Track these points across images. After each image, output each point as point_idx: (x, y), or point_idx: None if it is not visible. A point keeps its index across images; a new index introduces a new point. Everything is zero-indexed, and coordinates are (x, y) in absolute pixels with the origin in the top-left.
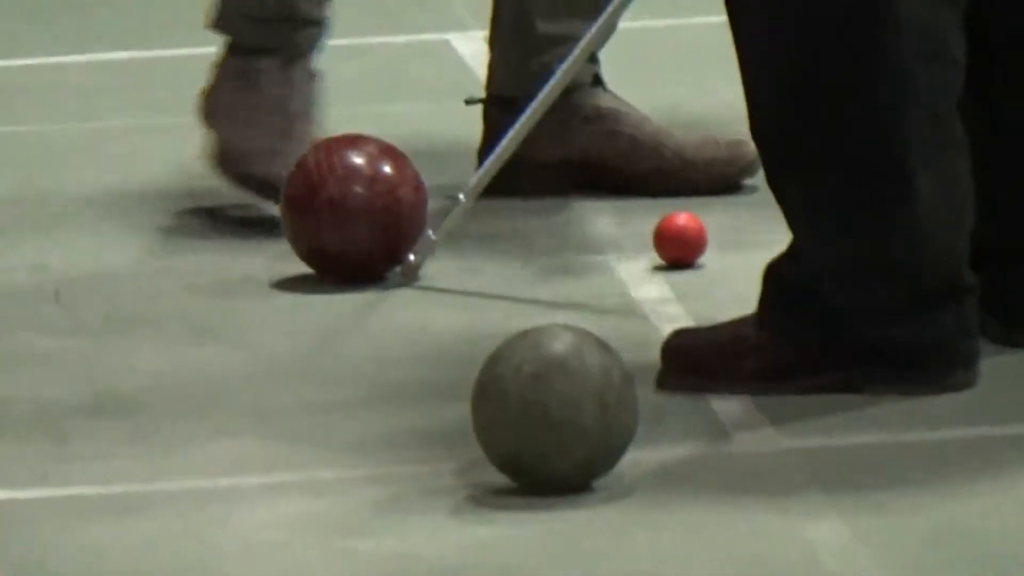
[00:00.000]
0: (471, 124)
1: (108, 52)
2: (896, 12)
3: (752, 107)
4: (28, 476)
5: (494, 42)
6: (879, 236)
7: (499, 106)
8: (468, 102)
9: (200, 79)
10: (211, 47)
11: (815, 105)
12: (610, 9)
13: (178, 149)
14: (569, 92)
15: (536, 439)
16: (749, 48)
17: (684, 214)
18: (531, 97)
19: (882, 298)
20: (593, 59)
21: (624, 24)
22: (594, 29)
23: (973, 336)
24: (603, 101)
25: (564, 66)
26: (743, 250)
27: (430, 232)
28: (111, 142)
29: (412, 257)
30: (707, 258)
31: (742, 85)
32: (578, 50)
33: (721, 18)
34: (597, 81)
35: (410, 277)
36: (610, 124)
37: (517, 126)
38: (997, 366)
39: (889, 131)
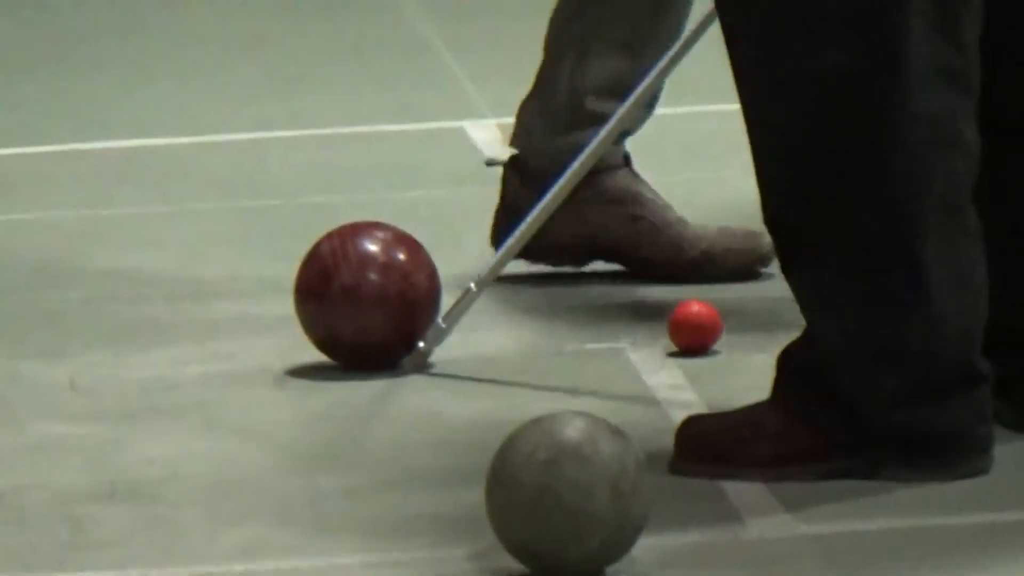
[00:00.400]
0: (485, 211)
1: (119, 140)
2: (909, 100)
3: (765, 196)
4: (44, 562)
5: (533, 107)
6: (893, 324)
7: (521, 172)
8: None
9: (215, 164)
10: (224, 133)
11: (827, 194)
12: (641, 88)
13: (188, 236)
14: (596, 172)
15: (549, 526)
16: (761, 137)
17: (698, 301)
18: (559, 173)
19: (896, 385)
20: (622, 140)
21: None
22: (623, 109)
23: (987, 423)
24: (629, 184)
25: (593, 144)
26: (757, 337)
27: (440, 320)
28: (122, 228)
29: (421, 345)
30: (721, 345)
31: (755, 174)
32: (606, 131)
33: (736, 106)
34: (626, 162)
35: (420, 365)
36: (632, 208)
37: (540, 206)
38: (1011, 451)
39: (902, 219)
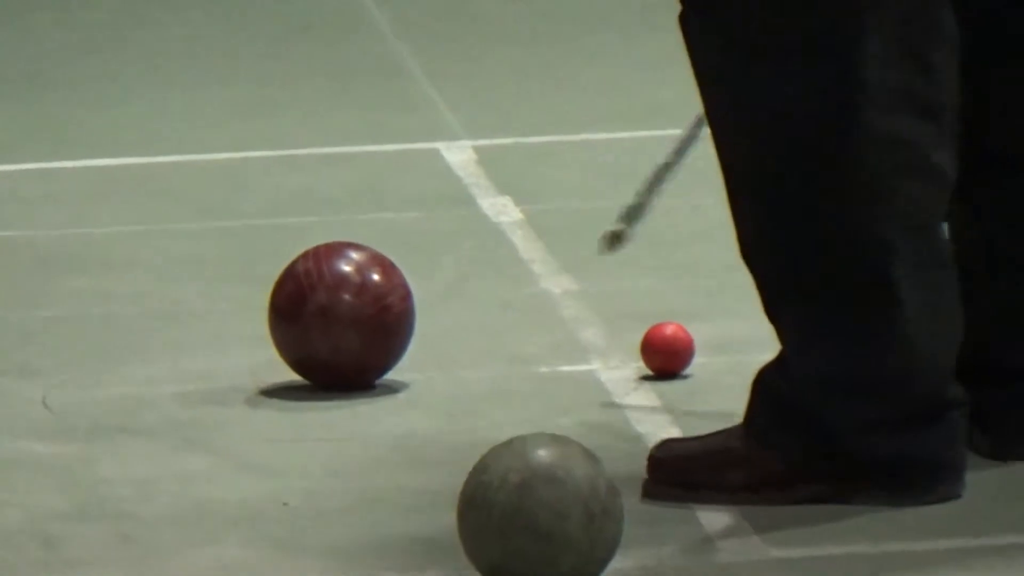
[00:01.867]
0: (460, 233)
1: (94, 159)
2: (869, 125)
3: (738, 230)
4: None
5: None
6: (866, 353)
7: None
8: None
9: (189, 184)
10: (198, 153)
11: (795, 224)
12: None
13: (162, 255)
14: None
15: (522, 548)
16: (732, 174)
17: (672, 324)
18: None
19: (870, 413)
20: None
21: (617, 135)
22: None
23: (959, 450)
24: None
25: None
26: (730, 360)
27: (635, 197)
28: (97, 247)
29: (617, 225)
30: (694, 368)
31: (729, 209)
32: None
33: (704, 131)
34: None
35: (617, 243)
36: None
37: None
38: (983, 477)
39: (868, 246)
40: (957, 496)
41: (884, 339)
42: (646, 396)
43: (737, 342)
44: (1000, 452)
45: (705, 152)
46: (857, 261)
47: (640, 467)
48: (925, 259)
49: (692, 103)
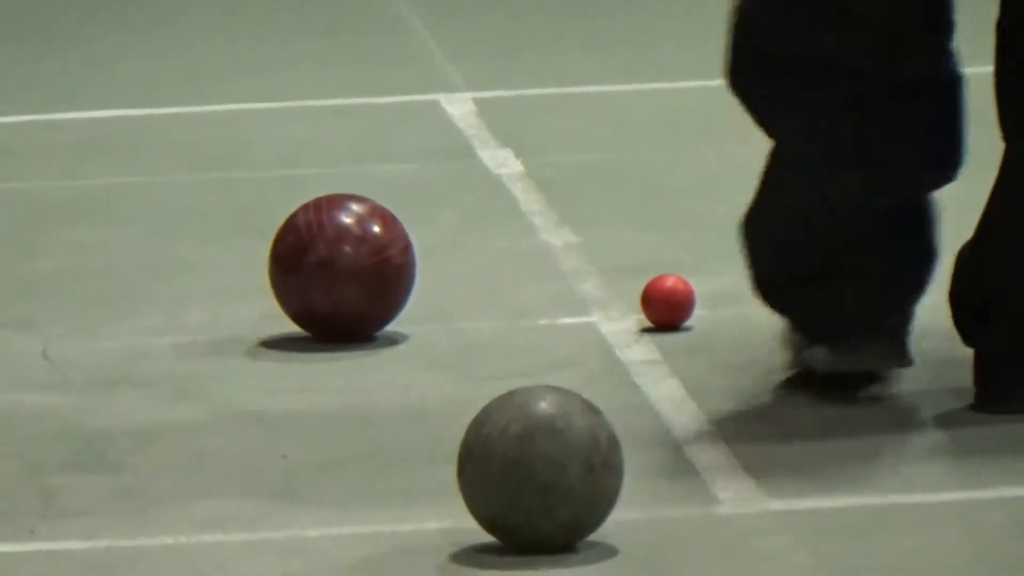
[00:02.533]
0: (460, 185)
1: (91, 111)
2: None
3: None
4: (14, 531)
5: None
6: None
7: None
8: None
9: (188, 136)
10: (199, 106)
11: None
12: None
13: (162, 208)
14: None
15: (521, 499)
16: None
17: (672, 276)
18: None
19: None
20: None
21: (618, 87)
22: None
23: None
24: None
25: None
26: (731, 313)
27: None
28: (95, 200)
29: None
30: (694, 320)
31: None
32: None
33: (703, 83)
34: None
35: None
36: None
37: None
38: (986, 430)
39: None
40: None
41: None
42: (646, 348)
43: (738, 294)
44: (986, 405)
45: (701, 101)
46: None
47: (641, 419)
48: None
49: (692, 56)
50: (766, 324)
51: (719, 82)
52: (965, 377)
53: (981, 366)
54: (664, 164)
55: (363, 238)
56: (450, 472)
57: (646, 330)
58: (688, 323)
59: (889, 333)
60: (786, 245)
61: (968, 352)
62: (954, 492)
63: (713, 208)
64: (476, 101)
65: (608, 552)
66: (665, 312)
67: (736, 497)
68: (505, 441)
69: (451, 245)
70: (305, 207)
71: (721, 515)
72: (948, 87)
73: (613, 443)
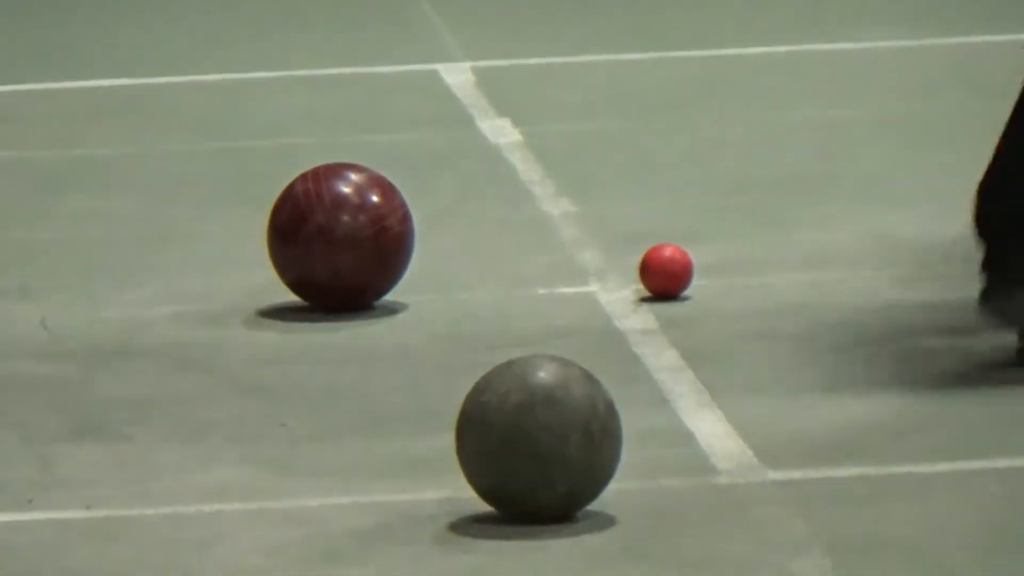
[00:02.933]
0: (459, 154)
1: (91, 80)
2: None
3: None
4: (12, 501)
5: None
6: None
7: None
8: None
9: (188, 105)
10: (197, 75)
11: None
12: None
13: (160, 176)
14: None
15: (520, 469)
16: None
17: (670, 246)
18: None
19: None
20: None
21: (617, 56)
22: None
23: None
24: None
25: None
26: (729, 283)
27: None
28: (94, 168)
29: None
30: (692, 290)
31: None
32: None
33: (709, 52)
34: None
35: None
36: None
37: None
38: (985, 401)
39: None
40: None
41: None
42: (644, 318)
43: (736, 264)
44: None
45: (699, 70)
46: None
47: (640, 389)
48: None
49: (692, 24)
50: (764, 294)
51: (718, 51)
52: (964, 350)
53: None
54: (663, 134)
55: (361, 207)
56: (449, 442)
57: (645, 299)
58: (686, 293)
59: None
60: None
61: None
62: (952, 462)
63: (712, 178)
64: (475, 70)
65: (607, 521)
66: (663, 281)
67: (735, 467)
68: (504, 411)
69: (450, 214)
70: (303, 176)
71: (720, 484)
72: None
73: (612, 412)
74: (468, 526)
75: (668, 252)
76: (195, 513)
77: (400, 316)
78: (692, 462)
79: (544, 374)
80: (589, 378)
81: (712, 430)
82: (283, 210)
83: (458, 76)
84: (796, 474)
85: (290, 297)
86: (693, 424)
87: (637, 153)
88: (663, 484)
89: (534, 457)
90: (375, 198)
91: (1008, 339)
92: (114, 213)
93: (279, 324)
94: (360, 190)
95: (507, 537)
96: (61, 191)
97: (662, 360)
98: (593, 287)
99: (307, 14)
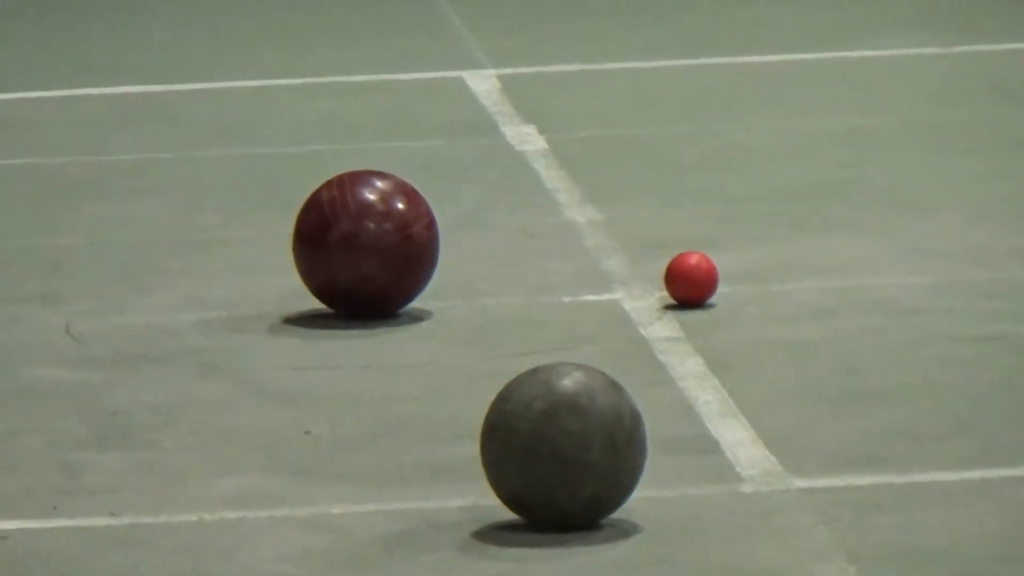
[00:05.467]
0: (483, 161)
1: (117, 86)
2: None
3: None
4: (38, 507)
5: None
6: None
7: None
8: None
9: (213, 112)
10: (223, 81)
11: None
12: None
13: (186, 183)
14: None
15: (544, 476)
16: None
17: (695, 254)
18: None
19: None
20: None
21: (641, 64)
22: None
23: None
24: None
25: None
26: (754, 290)
27: None
28: (120, 175)
29: None
30: (717, 297)
31: None
32: None
33: (726, 59)
34: None
35: None
36: None
37: None
38: (1008, 409)
39: None
40: None
41: None
42: (669, 325)
43: (761, 271)
44: None
45: (724, 77)
46: None
47: (664, 396)
48: None
49: (715, 31)
50: (789, 301)
51: (743, 58)
52: (989, 358)
53: None
54: (688, 140)
55: (387, 214)
56: (473, 449)
57: (669, 307)
58: (711, 300)
59: None
60: None
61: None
62: (977, 470)
63: (737, 185)
64: (500, 77)
65: (631, 529)
66: (688, 289)
67: (759, 474)
68: (528, 418)
69: (475, 221)
70: (329, 183)
71: (744, 492)
72: None
73: (636, 420)
74: (492, 534)
75: (693, 260)
76: (219, 520)
77: (424, 323)
78: (717, 470)
79: (569, 382)
80: (614, 386)
81: (737, 438)
82: (308, 217)
83: (483, 83)
84: (820, 482)
85: (315, 304)
86: (718, 432)
87: (662, 160)
88: (688, 492)
89: (558, 463)
90: (400, 205)
91: None
92: (139, 219)
93: (304, 331)
94: (386, 197)
95: (531, 545)
96: (86, 197)
97: (687, 368)
98: (618, 294)
99: (333, 21)
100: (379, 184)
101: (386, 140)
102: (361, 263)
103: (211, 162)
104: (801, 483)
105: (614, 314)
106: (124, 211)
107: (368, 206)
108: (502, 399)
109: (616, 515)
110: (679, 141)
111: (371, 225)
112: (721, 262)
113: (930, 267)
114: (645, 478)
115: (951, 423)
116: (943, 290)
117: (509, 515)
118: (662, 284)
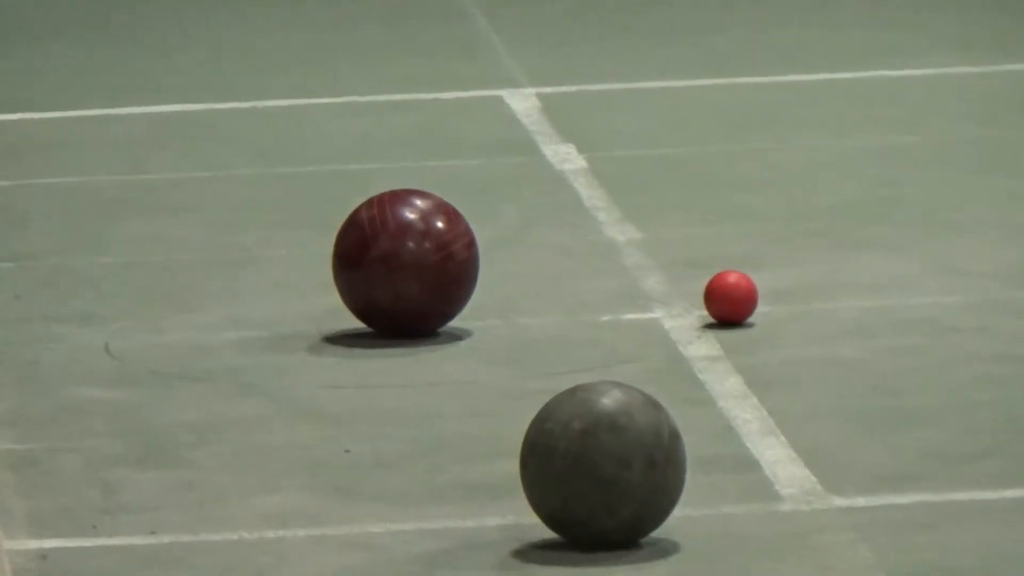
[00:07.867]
0: (523, 180)
1: (154, 105)
2: None
3: None
4: (76, 526)
5: None
6: None
7: None
8: None
9: (252, 131)
10: (262, 100)
11: None
12: None
13: (224, 202)
14: None
15: (583, 495)
16: None
17: (735, 272)
18: None
19: None
20: None
21: (680, 83)
22: None
23: None
24: None
25: None
26: (794, 309)
27: None
28: (158, 194)
29: None
30: (757, 316)
31: None
32: None
33: (765, 78)
34: None
35: None
36: None
37: None
38: None
39: None
40: None
41: None
42: (709, 345)
43: (801, 290)
44: None
45: (763, 96)
46: None
47: (704, 414)
48: None
49: (756, 51)
50: (828, 320)
51: (781, 77)
52: None
53: None
54: (727, 159)
55: (426, 233)
56: (512, 468)
57: (709, 326)
58: (751, 319)
59: None
60: None
61: None
62: (1015, 489)
63: (776, 204)
64: (540, 96)
65: (671, 547)
66: (728, 308)
67: (799, 493)
68: (568, 437)
69: (514, 241)
70: (368, 202)
71: (784, 511)
72: None
73: (676, 439)
74: (531, 552)
75: (732, 279)
76: (258, 539)
77: (463, 342)
78: (756, 488)
79: (608, 400)
80: (654, 405)
81: (776, 456)
82: (348, 236)
83: (523, 102)
84: (860, 501)
85: (354, 323)
86: (757, 451)
87: (701, 179)
88: (727, 511)
89: (597, 483)
90: (440, 224)
91: None
92: (177, 238)
93: (343, 350)
94: (425, 216)
95: (571, 564)
96: (124, 216)
97: (726, 386)
98: (657, 313)
99: (371, 40)
100: (419, 203)
101: (426, 159)
102: (400, 282)
103: (250, 181)
104: (840, 502)
105: (653, 333)
106: (163, 230)
107: (408, 225)
108: (541, 418)
109: (655, 534)
110: (718, 160)
111: (411, 244)
112: (760, 281)
113: (968, 286)
114: (684, 497)
115: (988, 442)
116: (981, 309)
117: (548, 534)
118: (701, 303)
